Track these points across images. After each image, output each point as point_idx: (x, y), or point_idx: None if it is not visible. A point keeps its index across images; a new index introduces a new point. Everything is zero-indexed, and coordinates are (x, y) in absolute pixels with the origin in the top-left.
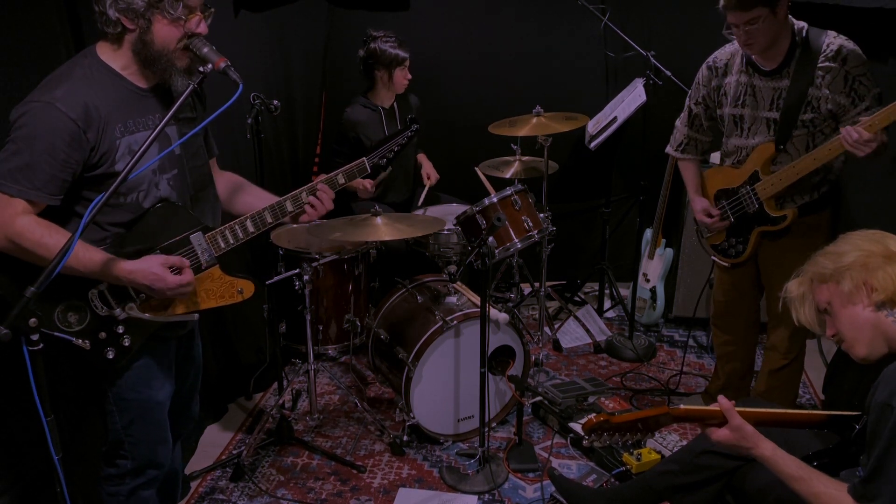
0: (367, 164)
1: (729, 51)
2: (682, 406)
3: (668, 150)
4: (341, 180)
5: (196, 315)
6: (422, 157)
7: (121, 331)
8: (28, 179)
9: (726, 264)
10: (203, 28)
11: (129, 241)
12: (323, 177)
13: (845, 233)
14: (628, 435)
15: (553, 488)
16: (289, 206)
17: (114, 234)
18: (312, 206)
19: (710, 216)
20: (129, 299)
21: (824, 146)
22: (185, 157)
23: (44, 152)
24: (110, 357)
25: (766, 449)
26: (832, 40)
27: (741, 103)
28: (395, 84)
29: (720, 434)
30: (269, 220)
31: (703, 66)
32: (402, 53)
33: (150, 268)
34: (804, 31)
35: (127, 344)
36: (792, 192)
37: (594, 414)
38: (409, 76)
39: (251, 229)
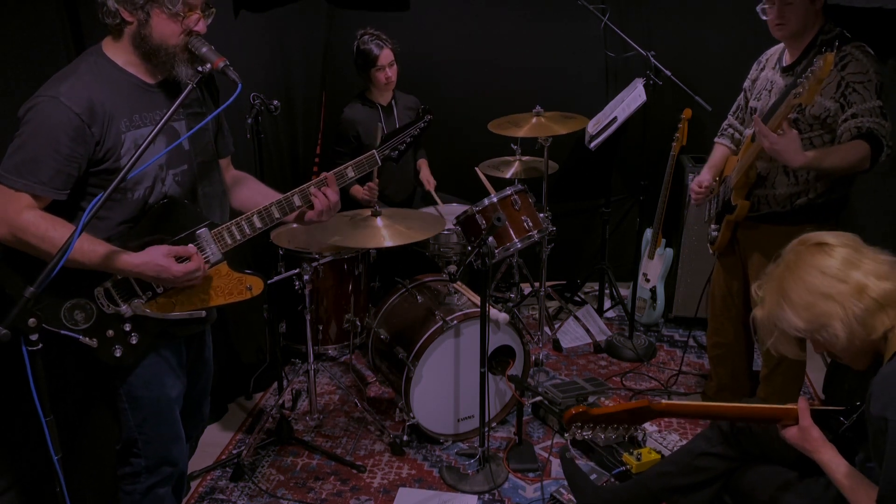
0: (377, 156)
1: (778, 48)
2: (664, 401)
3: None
4: (351, 173)
5: (203, 312)
6: (421, 163)
7: (128, 328)
8: (32, 174)
9: (710, 250)
10: (202, 27)
11: (135, 236)
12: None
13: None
14: (610, 428)
15: (553, 488)
16: (297, 201)
17: (119, 231)
18: (317, 197)
19: (700, 190)
20: (135, 296)
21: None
22: (193, 152)
23: (48, 147)
24: (118, 355)
25: (825, 454)
26: (849, 50)
27: (758, 97)
28: (375, 83)
29: (790, 432)
30: (277, 215)
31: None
32: (374, 51)
33: (155, 259)
34: (833, 35)
35: (134, 342)
36: (766, 196)
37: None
38: (390, 75)
39: (258, 225)
